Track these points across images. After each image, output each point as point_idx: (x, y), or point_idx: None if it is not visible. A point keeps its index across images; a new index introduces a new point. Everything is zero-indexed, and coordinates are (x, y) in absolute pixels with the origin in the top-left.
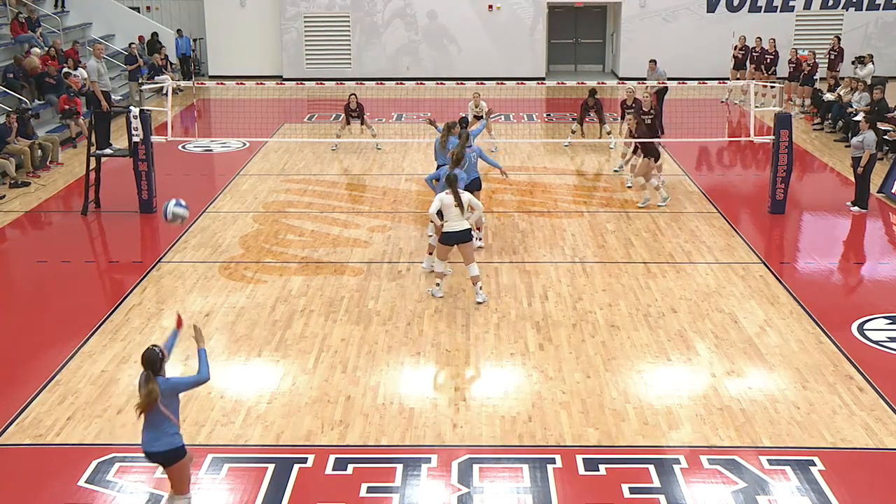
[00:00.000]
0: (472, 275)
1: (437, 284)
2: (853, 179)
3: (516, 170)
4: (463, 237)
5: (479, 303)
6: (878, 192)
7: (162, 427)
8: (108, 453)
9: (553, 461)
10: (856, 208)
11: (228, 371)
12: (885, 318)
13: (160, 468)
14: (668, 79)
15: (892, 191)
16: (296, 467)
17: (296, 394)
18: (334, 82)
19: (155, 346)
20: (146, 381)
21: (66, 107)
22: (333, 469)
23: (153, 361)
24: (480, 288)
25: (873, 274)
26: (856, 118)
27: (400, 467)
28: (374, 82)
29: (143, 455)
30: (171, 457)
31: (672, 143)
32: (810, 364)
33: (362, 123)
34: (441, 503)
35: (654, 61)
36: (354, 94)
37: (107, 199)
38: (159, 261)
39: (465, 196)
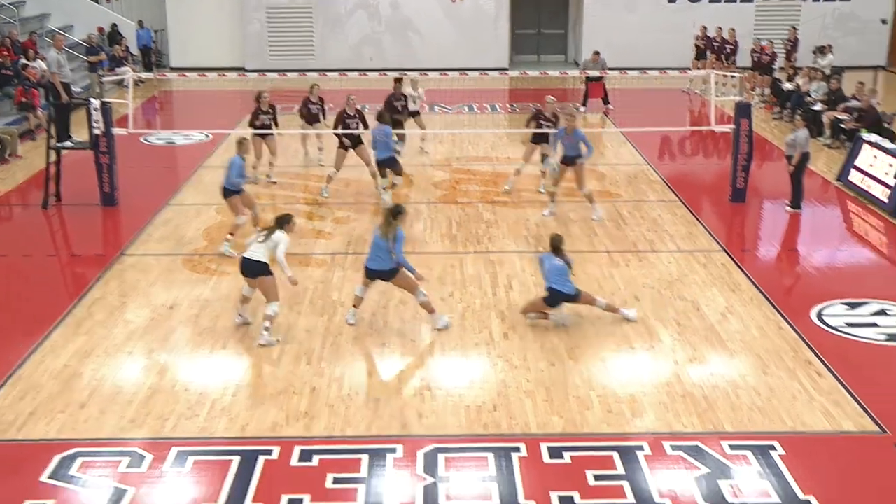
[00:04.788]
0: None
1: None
2: (789, 178)
3: (480, 160)
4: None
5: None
6: (835, 180)
7: (382, 253)
8: (71, 448)
9: (518, 450)
10: (789, 209)
11: (192, 364)
12: (842, 303)
13: (127, 459)
14: (629, 68)
15: (849, 178)
16: (261, 459)
17: (260, 386)
18: (297, 73)
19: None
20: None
21: (23, 99)
22: (299, 460)
23: (399, 212)
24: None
25: (832, 261)
26: (815, 107)
27: (366, 458)
28: (336, 73)
29: (109, 448)
30: (390, 274)
31: (634, 133)
32: (771, 350)
33: (325, 118)
34: (407, 493)
35: (597, 53)
36: (317, 85)
37: (68, 192)
38: (122, 254)
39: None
